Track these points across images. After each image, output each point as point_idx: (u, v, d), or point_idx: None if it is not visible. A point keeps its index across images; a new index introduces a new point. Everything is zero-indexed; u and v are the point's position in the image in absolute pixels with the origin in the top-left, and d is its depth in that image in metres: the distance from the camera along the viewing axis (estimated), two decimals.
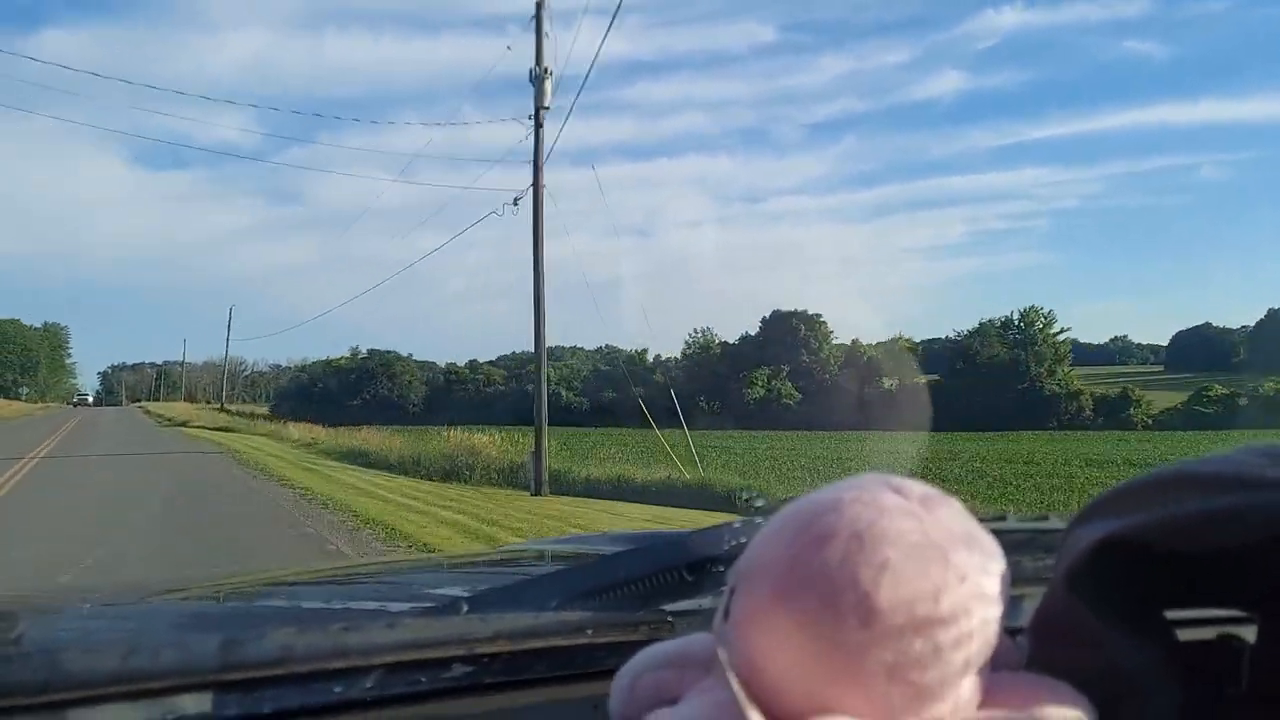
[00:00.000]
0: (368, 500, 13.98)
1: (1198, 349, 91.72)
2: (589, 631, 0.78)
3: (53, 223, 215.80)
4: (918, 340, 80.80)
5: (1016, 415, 57.46)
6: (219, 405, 74.77)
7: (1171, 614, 0.59)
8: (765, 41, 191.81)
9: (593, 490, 17.28)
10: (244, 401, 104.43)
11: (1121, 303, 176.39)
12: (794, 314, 71.73)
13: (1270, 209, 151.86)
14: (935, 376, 67.69)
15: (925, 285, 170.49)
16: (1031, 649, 0.59)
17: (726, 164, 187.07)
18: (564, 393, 69.31)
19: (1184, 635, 0.60)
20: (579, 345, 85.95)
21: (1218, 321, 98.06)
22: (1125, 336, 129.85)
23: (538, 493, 16.85)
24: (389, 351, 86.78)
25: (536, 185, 17.76)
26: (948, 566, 0.50)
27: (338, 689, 0.70)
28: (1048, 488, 20.63)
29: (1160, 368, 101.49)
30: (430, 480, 18.83)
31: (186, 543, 9.90)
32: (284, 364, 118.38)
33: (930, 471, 25.77)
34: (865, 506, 0.52)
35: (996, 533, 0.55)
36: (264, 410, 75.30)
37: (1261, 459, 0.53)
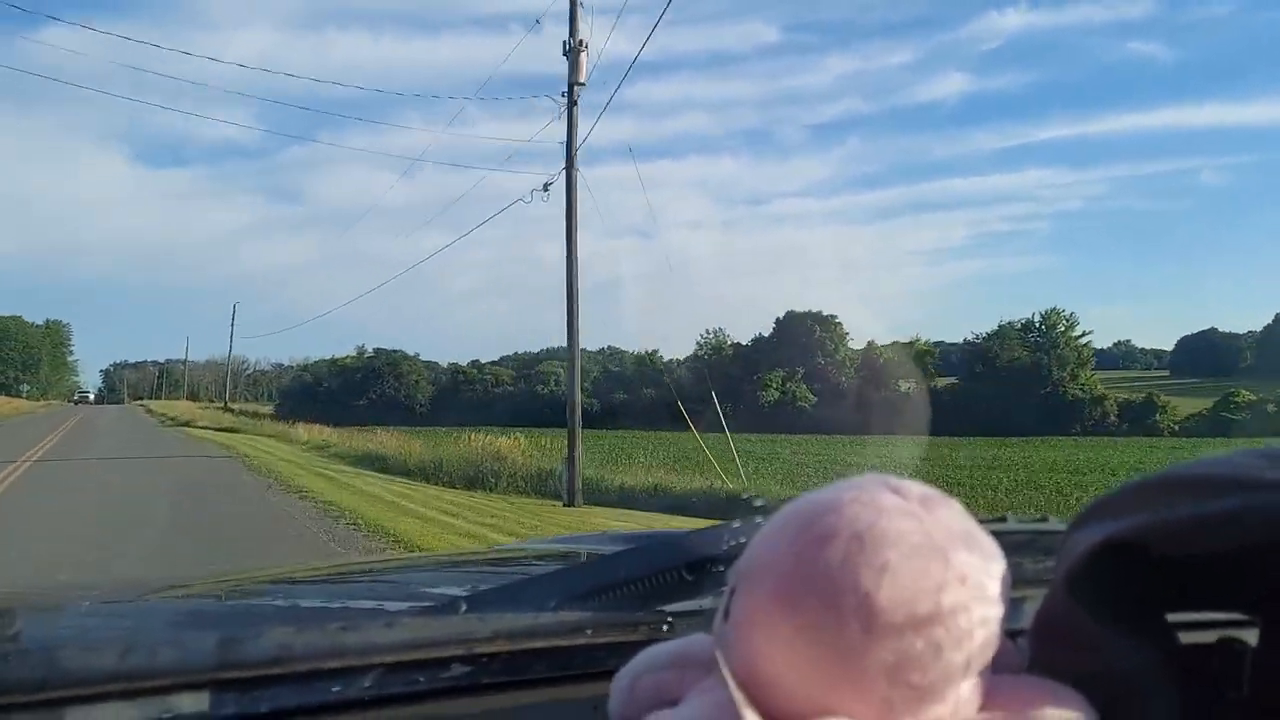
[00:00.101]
0: (401, 517, 12.22)
1: (1204, 354, 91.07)
2: (588, 631, 0.78)
3: (55, 220, 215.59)
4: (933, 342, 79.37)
5: (1039, 420, 55.96)
6: (222, 404, 73.56)
7: (1173, 617, 0.59)
8: (769, 42, 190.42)
9: (628, 500, 16.07)
10: (246, 400, 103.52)
11: (1125, 307, 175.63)
12: (809, 315, 70.22)
13: (1275, 213, 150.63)
14: (953, 380, 66.40)
15: (927, 288, 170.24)
16: (1032, 651, 0.59)
17: (730, 166, 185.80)
18: None
19: (1185, 638, 0.59)
20: (583, 346, 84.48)
21: (1223, 326, 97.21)
22: (1129, 341, 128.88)
23: (571, 503, 15.59)
24: (395, 351, 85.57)
25: (569, 169, 16.44)
26: (948, 567, 0.50)
27: (336, 688, 0.70)
28: None
29: (1165, 373, 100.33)
30: (453, 488, 17.47)
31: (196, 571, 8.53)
32: (286, 363, 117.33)
33: (978, 481, 24.41)
34: (865, 507, 0.52)
35: (996, 534, 0.55)
36: (268, 410, 74.23)
37: (1260, 460, 0.53)
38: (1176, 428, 57.38)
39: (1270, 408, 56.26)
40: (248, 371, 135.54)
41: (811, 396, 64.51)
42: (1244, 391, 59.36)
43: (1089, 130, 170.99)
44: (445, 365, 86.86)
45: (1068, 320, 65.54)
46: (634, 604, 0.85)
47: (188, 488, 15.37)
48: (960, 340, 74.81)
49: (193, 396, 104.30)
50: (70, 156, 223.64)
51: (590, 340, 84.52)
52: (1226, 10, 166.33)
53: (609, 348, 78.14)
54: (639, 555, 0.94)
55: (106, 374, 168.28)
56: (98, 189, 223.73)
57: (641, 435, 42.14)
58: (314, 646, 0.67)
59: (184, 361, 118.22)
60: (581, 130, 16.40)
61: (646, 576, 0.88)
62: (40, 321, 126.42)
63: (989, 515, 0.87)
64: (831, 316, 70.32)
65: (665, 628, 0.80)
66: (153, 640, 0.64)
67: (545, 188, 17.20)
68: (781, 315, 71.58)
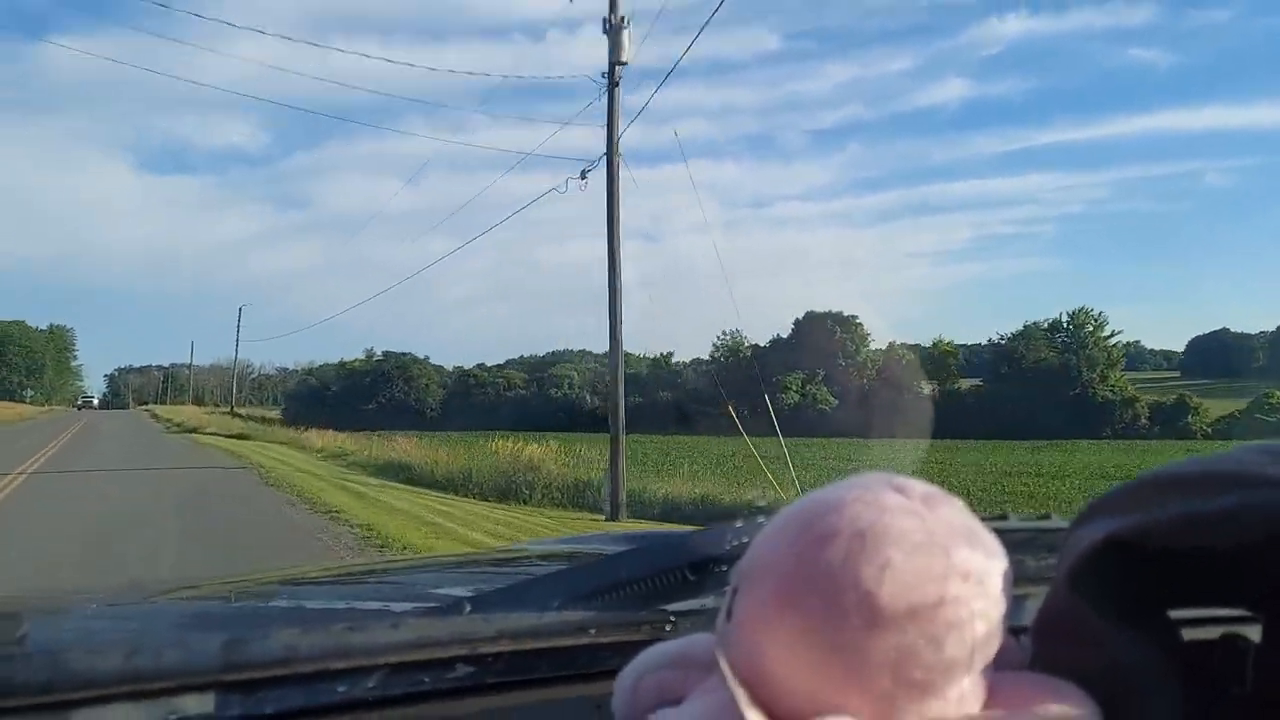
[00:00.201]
0: (452, 544, 10.59)
1: (1216, 355, 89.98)
2: (592, 631, 0.78)
3: (59, 224, 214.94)
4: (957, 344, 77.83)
5: (1067, 422, 54.26)
6: (228, 409, 72.48)
7: (1175, 613, 0.58)
8: (770, 49, 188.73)
9: (673, 512, 14.75)
10: (252, 404, 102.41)
11: (1132, 309, 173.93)
12: (829, 315, 68.11)
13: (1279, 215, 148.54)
14: (977, 381, 64.84)
15: (930, 290, 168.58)
16: (1035, 648, 0.58)
17: (732, 170, 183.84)
18: (589, 396, 66.82)
19: (1188, 635, 0.59)
20: (587, 349, 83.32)
21: (1235, 327, 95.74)
22: (1138, 342, 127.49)
23: (614, 516, 14.25)
24: (405, 354, 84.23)
25: (610, 155, 15.11)
26: (950, 564, 0.50)
27: (341, 689, 0.70)
28: None
29: (1176, 373, 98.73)
30: (485, 500, 16.14)
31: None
32: (291, 367, 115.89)
33: (1029, 489, 23.03)
34: (867, 505, 0.52)
35: (999, 532, 0.54)
36: (275, 414, 73.16)
37: (1262, 456, 0.53)
38: (1209, 430, 55.71)
39: None
40: (252, 375, 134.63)
41: (832, 399, 62.77)
42: (1278, 393, 57.70)
43: (1091, 134, 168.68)
44: (450, 369, 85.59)
45: (1096, 320, 63.70)
46: (637, 604, 0.85)
47: (200, 512, 12.96)
48: (984, 341, 73.40)
49: (197, 401, 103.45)
50: (76, 163, 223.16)
51: (596, 344, 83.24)
52: (1225, 15, 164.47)
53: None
54: (642, 555, 0.94)
55: (111, 379, 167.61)
56: (103, 194, 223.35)
57: (660, 440, 40.73)
58: (319, 647, 0.67)
59: (189, 366, 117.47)
60: (625, 116, 15.06)
61: (649, 576, 0.87)
62: (44, 326, 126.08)
63: (990, 514, 0.86)
64: (852, 317, 68.29)
65: (668, 627, 0.80)
66: (158, 642, 0.64)
67: (583, 175, 15.85)
68: (800, 316, 70.01)
